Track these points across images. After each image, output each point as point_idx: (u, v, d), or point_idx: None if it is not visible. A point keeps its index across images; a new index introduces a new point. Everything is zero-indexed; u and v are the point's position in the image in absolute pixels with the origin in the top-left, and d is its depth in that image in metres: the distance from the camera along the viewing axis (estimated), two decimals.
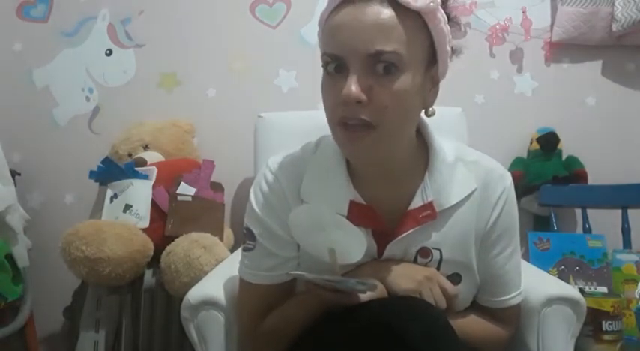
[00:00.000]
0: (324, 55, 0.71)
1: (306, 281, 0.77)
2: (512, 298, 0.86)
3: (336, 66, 0.70)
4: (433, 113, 0.77)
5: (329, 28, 0.71)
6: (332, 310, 0.76)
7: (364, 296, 0.74)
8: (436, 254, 0.80)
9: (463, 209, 0.80)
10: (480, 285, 0.85)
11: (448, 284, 0.79)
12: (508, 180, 0.84)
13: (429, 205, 0.78)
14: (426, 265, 0.80)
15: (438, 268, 0.81)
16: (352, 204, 0.78)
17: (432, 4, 0.68)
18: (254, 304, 0.84)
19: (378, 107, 0.68)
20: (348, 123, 0.69)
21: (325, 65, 0.71)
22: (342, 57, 0.68)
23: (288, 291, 0.84)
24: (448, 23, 0.73)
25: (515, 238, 0.86)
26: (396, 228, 0.79)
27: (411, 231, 0.78)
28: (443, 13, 0.71)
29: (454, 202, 0.79)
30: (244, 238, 0.86)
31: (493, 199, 0.82)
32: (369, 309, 0.71)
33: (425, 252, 0.80)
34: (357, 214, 0.78)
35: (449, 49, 0.75)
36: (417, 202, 0.79)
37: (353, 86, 0.66)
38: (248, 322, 0.85)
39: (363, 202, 0.79)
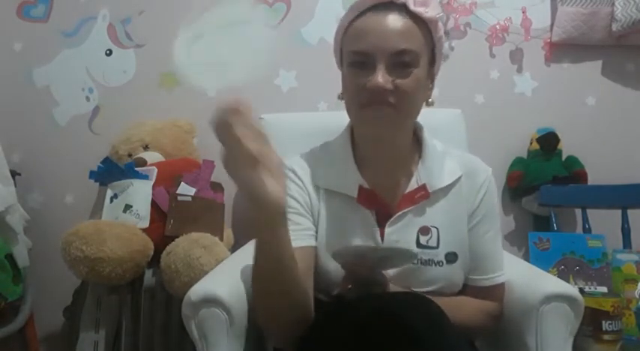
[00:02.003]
0: (351, 53, 0.87)
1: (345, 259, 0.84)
2: (499, 276, 0.96)
3: (362, 62, 0.85)
4: (432, 103, 0.95)
5: (356, 31, 0.87)
6: (342, 301, 0.83)
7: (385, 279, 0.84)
8: (434, 232, 0.92)
9: (452, 193, 0.94)
10: (471, 265, 0.95)
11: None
12: (489, 171, 0.98)
13: (423, 187, 0.92)
14: (427, 242, 0.91)
15: (437, 246, 0.91)
16: (361, 188, 0.92)
17: (437, 15, 0.87)
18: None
19: (401, 93, 0.84)
20: (372, 107, 0.85)
21: (351, 62, 0.87)
22: (372, 54, 0.84)
23: (305, 266, 0.87)
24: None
25: (497, 224, 0.98)
26: (395, 208, 0.92)
27: (408, 209, 0.91)
28: (441, 24, 0.91)
29: (444, 185, 0.93)
30: None
31: (477, 184, 0.96)
32: (376, 300, 0.77)
33: (425, 229, 0.92)
34: (364, 198, 0.92)
35: (442, 53, 0.95)
36: (412, 186, 0.93)
37: (382, 78, 0.83)
38: None
39: (368, 187, 0.92)
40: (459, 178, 0.95)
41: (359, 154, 0.97)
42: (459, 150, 1.02)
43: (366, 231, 0.92)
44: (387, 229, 0.91)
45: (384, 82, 0.83)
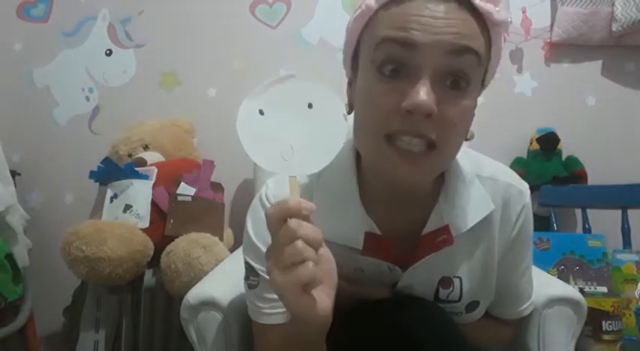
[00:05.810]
0: (381, 43, 0.58)
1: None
2: (525, 309, 0.84)
3: (396, 67, 0.58)
4: (472, 137, 0.68)
5: (393, 15, 0.58)
6: (343, 311, 0.67)
7: (376, 294, 0.72)
8: (457, 283, 0.74)
9: (482, 231, 0.73)
10: (495, 299, 0.80)
11: None
12: (527, 196, 0.77)
13: (445, 229, 0.70)
14: (447, 296, 0.75)
15: (459, 299, 0.75)
16: (367, 235, 0.70)
17: (508, 19, 0.61)
18: (279, 348, 0.71)
19: (447, 124, 0.59)
20: (402, 141, 0.59)
21: (379, 63, 0.59)
22: (416, 47, 0.56)
23: None
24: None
25: (531, 251, 0.81)
26: (411, 255, 0.71)
27: (426, 258, 0.70)
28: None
29: (471, 225, 0.71)
30: (246, 274, 0.77)
31: (513, 217, 0.75)
32: (382, 312, 0.68)
33: (446, 282, 0.74)
34: (372, 246, 0.70)
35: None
36: (431, 226, 0.71)
37: (426, 95, 0.56)
38: None
39: (378, 232, 0.70)
40: (491, 212, 0.73)
41: (365, 187, 0.71)
42: (492, 165, 0.78)
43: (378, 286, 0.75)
44: (401, 281, 0.73)
45: (430, 103, 0.56)
